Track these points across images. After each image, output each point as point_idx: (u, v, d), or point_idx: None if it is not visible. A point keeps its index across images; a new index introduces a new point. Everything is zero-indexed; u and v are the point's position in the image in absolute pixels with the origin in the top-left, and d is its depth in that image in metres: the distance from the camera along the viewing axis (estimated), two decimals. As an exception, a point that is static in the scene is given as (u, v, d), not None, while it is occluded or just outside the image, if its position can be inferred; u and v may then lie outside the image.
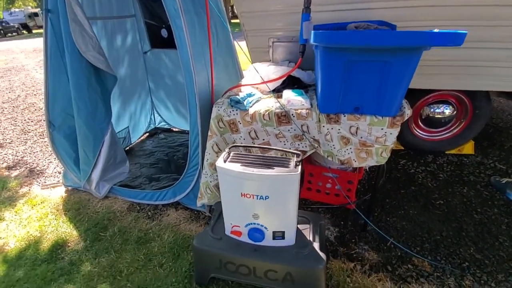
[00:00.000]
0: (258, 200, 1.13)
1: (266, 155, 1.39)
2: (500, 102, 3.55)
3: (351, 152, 1.41)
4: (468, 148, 2.47)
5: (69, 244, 1.72)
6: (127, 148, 2.79)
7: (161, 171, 2.41)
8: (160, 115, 3.17)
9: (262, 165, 1.12)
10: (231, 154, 1.20)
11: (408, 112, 1.31)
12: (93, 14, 2.12)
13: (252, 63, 2.36)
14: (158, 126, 3.21)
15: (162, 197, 1.96)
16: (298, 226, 1.34)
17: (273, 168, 1.09)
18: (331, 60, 1.18)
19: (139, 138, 3.00)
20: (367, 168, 2.26)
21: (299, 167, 1.08)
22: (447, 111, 2.35)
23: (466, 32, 0.89)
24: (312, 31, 1.04)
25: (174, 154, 2.68)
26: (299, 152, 1.15)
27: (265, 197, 1.11)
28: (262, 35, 2.24)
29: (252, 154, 1.26)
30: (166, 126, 3.19)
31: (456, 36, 0.91)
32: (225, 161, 1.15)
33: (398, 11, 1.78)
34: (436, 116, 2.39)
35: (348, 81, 1.23)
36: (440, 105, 2.36)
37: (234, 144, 1.27)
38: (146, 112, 3.04)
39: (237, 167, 1.10)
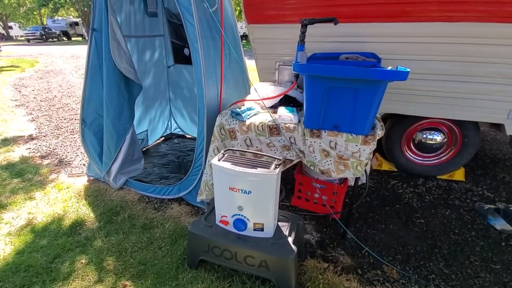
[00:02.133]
0: (242, 194, 1.37)
1: (255, 158, 1.64)
2: (501, 134, 3.62)
3: (331, 163, 1.63)
4: (459, 174, 2.59)
5: (86, 223, 2.01)
6: (144, 148, 3.13)
7: (171, 171, 2.71)
8: (176, 122, 3.51)
9: (249, 165, 1.36)
10: (225, 156, 1.46)
11: (379, 132, 1.52)
12: (129, 33, 2.52)
13: (260, 81, 2.67)
14: (173, 131, 3.55)
15: (168, 192, 2.24)
16: (279, 223, 1.56)
17: (257, 169, 1.33)
18: (313, 85, 1.44)
19: (156, 141, 3.34)
20: (364, 181, 2.43)
21: (277, 170, 1.32)
22: (438, 138, 2.51)
23: (408, 70, 1.13)
24: (297, 64, 1.31)
25: (184, 158, 2.98)
26: (280, 158, 1.39)
27: (248, 191, 1.35)
28: (270, 59, 2.55)
29: (244, 157, 1.51)
30: (181, 133, 3.52)
31: (402, 74, 1.15)
32: (219, 160, 1.41)
33: (385, 45, 2.04)
34: (428, 142, 2.56)
35: (327, 102, 1.47)
36: (432, 131, 2.53)
37: (229, 148, 1.54)
38: (164, 119, 3.39)
39: (228, 165, 1.36)
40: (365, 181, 1.95)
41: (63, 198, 2.31)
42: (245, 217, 1.43)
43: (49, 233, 1.91)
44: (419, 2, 1.90)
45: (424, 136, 2.55)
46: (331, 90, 1.43)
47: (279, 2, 2.27)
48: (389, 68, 1.23)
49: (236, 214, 1.44)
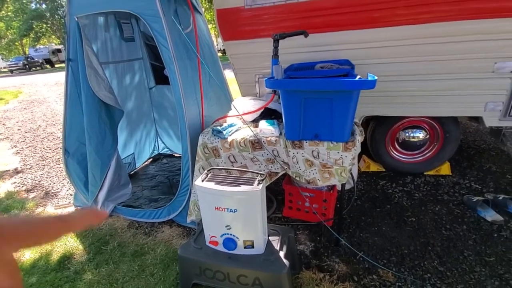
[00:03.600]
0: (228, 213, 1.36)
1: (240, 176, 1.63)
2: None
3: (316, 172, 1.64)
4: (445, 169, 2.64)
5: (75, 256, 1.96)
6: (132, 172, 3.09)
7: (161, 193, 2.67)
8: (163, 142, 3.49)
9: (232, 183, 1.36)
10: (209, 175, 1.45)
11: (359, 138, 1.55)
12: (106, 59, 2.52)
13: (242, 95, 2.69)
14: (161, 152, 3.52)
15: (158, 216, 2.20)
16: (269, 238, 1.55)
17: (240, 186, 1.33)
18: (289, 99, 1.46)
19: (144, 163, 3.30)
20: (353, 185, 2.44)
21: (261, 185, 1.31)
22: (421, 135, 2.56)
23: (375, 78, 1.16)
24: (268, 80, 1.33)
25: (174, 177, 2.95)
26: (262, 173, 1.39)
27: (234, 210, 1.34)
28: (249, 73, 2.58)
29: (227, 175, 1.50)
30: (169, 152, 3.50)
31: (369, 82, 1.18)
32: (202, 181, 1.40)
33: (358, 51, 2.09)
34: (411, 140, 2.60)
35: (305, 113, 1.49)
36: (414, 130, 2.58)
37: (212, 167, 1.53)
38: (151, 140, 3.37)
39: (211, 185, 1.35)
40: (353, 185, 1.96)
41: (50, 232, 2.24)
42: (234, 235, 1.41)
43: (37, 270, 1.85)
44: (385, 8, 1.97)
45: (407, 134, 2.60)
46: (307, 101, 1.45)
47: (252, 18, 2.32)
48: (358, 77, 1.27)
49: (225, 234, 1.42)
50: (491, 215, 2.06)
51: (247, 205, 1.33)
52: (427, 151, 2.60)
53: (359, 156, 2.88)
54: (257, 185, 1.32)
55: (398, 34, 2.00)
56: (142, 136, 3.22)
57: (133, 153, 3.09)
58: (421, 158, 2.62)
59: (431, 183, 2.54)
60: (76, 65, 2.11)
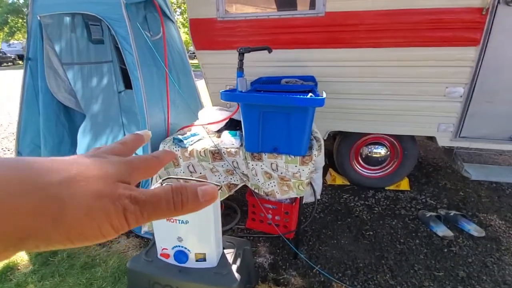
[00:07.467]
0: (180, 224, 1.33)
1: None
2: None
3: (274, 185, 1.66)
4: (404, 184, 2.76)
5: (19, 267, 1.81)
6: (95, 178, 2.95)
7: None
8: (131, 148, 3.38)
9: (186, 194, 1.33)
10: (163, 185, 1.42)
11: (315, 152, 1.59)
12: (71, 60, 2.44)
13: (213, 105, 2.69)
14: (129, 158, 3.41)
15: (116, 225, 2.11)
16: (225, 250, 1.52)
17: (193, 197, 1.31)
18: (248, 111, 1.48)
19: (109, 169, 3.17)
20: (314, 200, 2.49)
21: (213, 197, 1.30)
22: (382, 151, 2.68)
23: (323, 97, 1.21)
24: (225, 92, 1.34)
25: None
26: (218, 184, 1.39)
27: (186, 221, 1.32)
28: (221, 83, 2.59)
29: (183, 185, 1.48)
30: (136, 158, 3.39)
31: (319, 101, 1.23)
32: (155, 191, 1.36)
33: (324, 69, 2.18)
34: (374, 155, 2.71)
35: (264, 126, 1.52)
36: (376, 146, 2.70)
37: (168, 177, 1.50)
38: (118, 145, 3.25)
39: (163, 195, 1.32)
40: (314, 199, 1.99)
41: (-7, 241, 2.07)
42: (185, 248, 1.38)
43: (-29, 284, 1.69)
44: (349, 30, 2.08)
45: (370, 150, 2.71)
46: (265, 115, 1.48)
47: (224, 30, 2.35)
48: (309, 95, 1.32)
49: (176, 246, 1.39)
50: (442, 230, 2.17)
51: (198, 217, 1.31)
52: (388, 167, 2.72)
53: (326, 169, 2.95)
54: (210, 197, 1.30)
55: (361, 56, 2.11)
56: (108, 140, 3.10)
57: (97, 158, 2.97)
58: (382, 173, 2.73)
59: (390, 198, 2.64)
60: (35, 65, 2.02)
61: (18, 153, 2.18)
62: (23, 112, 2.12)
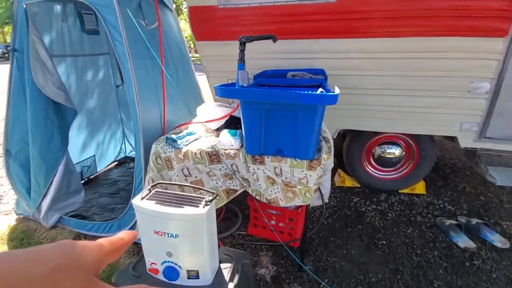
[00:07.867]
0: (169, 238, 1.16)
1: (189, 194, 1.45)
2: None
3: (278, 192, 1.48)
4: (420, 187, 2.55)
5: None
6: (92, 176, 2.83)
7: (120, 201, 2.43)
8: (131, 145, 3.25)
9: (176, 203, 1.17)
10: (152, 192, 1.26)
11: (325, 156, 1.40)
12: (63, 52, 2.28)
13: (214, 100, 2.51)
14: (128, 155, 3.27)
15: (108, 229, 1.97)
16: (221, 265, 1.36)
17: (184, 207, 1.14)
18: (248, 109, 1.30)
19: (107, 166, 3.05)
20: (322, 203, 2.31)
21: (207, 208, 1.13)
22: (396, 152, 2.47)
23: (337, 94, 1.02)
24: (220, 87, 1.16)
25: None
26: (213, 192, 1.22)
27: (175, 235, 1.15)
28: (222, 76, 2.41)
29: (172, 192, 1.31)
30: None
31: (330, 98, 1.03)
32: (142, 199, 1.20)
33: (335, 61, 1.98)
34: (387, 156, 2.50)
35: (267, 126, 1.33)
36: (390, 146, 2.48)
37: (159, 182, 1.34)
38: (116, 142, 3.12)
39: (150, 204, 1.16)
40: (322, 203, 1.81)
41: (-20, 243, 1.97)
42: (176, 264, 1.22)
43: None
44: (364, 18, 1.86)
45: (383, 150, 2.50)
46: (269, 113, 1.29)
47: (226, 19, 2.17)
48: (319, 91, 1.13)
49: (166, 261, 1.23)
50: (463, 241, 1.96)
51: (190, 231, 1.14)
52: (402, 168, 2.51)
53: (335, 170, 2.76)
54: (203, 208, 1.14)
55: (376, 46, 1.89)
56: (106, 137, 2.97)
57: (94, 155, 2.84)
58: (396, 175, 2.53)
59: (405, 202, 2.44)
60: (22, 57, 1.87)
61: (7, 151, 2.05)
62: (11, 107, 1.99)
